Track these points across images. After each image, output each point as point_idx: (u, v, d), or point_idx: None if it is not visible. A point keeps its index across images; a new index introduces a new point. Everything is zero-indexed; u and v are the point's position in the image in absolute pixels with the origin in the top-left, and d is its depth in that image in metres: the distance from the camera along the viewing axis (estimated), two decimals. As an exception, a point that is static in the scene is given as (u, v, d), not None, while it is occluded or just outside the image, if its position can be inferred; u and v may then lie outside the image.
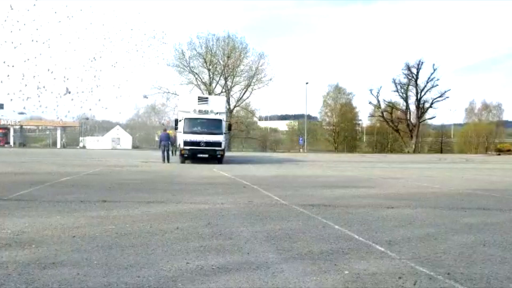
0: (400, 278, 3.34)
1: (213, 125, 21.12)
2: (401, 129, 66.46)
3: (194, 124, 20.99)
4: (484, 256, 4.05)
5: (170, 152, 22.00)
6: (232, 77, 57.42)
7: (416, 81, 64.89)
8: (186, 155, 20.43)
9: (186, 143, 20.33)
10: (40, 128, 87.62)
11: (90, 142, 64.19)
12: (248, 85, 57.60)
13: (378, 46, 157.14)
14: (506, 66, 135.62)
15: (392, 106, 66.65)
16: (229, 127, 29.07)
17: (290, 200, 7.74)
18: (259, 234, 4.80)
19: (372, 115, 70.64)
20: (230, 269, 3.47)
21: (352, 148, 67.43)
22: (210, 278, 3.25)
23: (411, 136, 64.54)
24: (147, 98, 59.83)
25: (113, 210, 6.25)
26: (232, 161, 24.79)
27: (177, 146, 22.10)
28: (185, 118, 21.00)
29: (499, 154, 53.45)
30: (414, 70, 64.52)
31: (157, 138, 45.50)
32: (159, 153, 28.32)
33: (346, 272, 3.47)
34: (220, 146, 20.67)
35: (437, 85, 63.76)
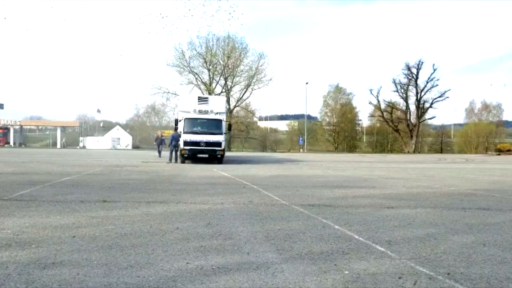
0: (400, 278, 3.34)
1: (213, 125, 21.12)
2: (401, 129, 66.49)
3: (194, 124, 20.98)
4: (484, 256, 4.05)
5: (178, 153, 21.71)
6: (232, 77, 57.48)
7: (416, 81, 64.99)
8: (186, 155, 20.42)
9: (186, 143, 20.32)
10: (40, 128, 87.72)
11: (90, 142, 64.20)
12: (248, 85, 57.68)
13: (378, 46, 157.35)
14: (506, 66, 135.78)
15: (392, 106, 66.68)
16: (229, 127, 29.08)
17: (290, 200, 7.74)
18: (259, 234, 4.80)
19: (372, 115, 70.72)
20: (230, 269, 3.47)
21: (352, 148, 67.49)
22: (210, 278, 3.25)
23: (411, 136, 64.56)
24: (99, 112, 60.52)
25: (113, 210, 6.25)
26: (232, 161, 24.79)
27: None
28: (185, 118, 20.99)
29: (499, 154, 53.46)
30: (414, 70, 64.65)
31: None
32: (157, 153, 28.40)
33: (346, 272, 3.47)
34: (220, 146, 20.67)
35: (437, 85, 63.95)
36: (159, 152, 27.51)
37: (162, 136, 29.53)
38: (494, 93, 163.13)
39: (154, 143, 30.27)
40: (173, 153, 21.39)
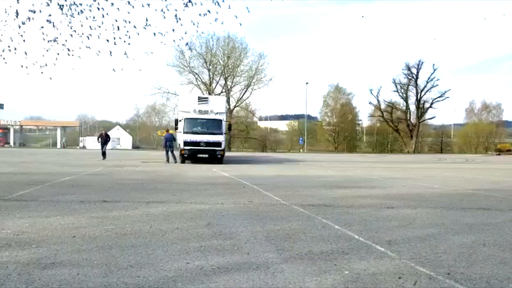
0: (400, 278, 3.34)
1: (213, 125, 21.14)
2: (401, 129, 66.55)
3: (194, 124, 21.01)
4: (484, 256, 4.05)
5: (174, 153, 21.68)
6: (232, 77, 57.57)
7: (416, 81, 65.09)
8: (186, 155, 20.45)
9: (186, 143, 20.35)
10: (40, 128, 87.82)
11: (90, 142, 64.24)
12: (248, 85, 57.81)
13: (378, 46, 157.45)
14: (506, 66, 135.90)
15: (392, 106, 66.74)
16: (229, 127, 29.10)
17: (290, 200, 7.74)
18: (259, 234, 4.80)
19: (372, 115, 70.78)
20: (230, 269, 3.47)
21: (352, 148, 67.54)
22: (210, 278, 3.25)
23: (411, 136, 64.60)
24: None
25: (113, 210, 6.25)
26: (232, 161, 24.79)
27: (177, 146, 22.12)
28: (185, 118, 21.01)
29: (499, 154, 53.48)
30: (414, 70, 64.79)
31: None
32: (157, 153, 28.41)
33: (346, 272, 3.47)
34: (220, 146, 20.68)
35: (437, 85, 64.17)
36: (103, 153, 23.36)
37: (104, 134, 24.61)
38: (494, 93, 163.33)
39: (98, 142, 24.25)
40: (168, 153, 21.49)
